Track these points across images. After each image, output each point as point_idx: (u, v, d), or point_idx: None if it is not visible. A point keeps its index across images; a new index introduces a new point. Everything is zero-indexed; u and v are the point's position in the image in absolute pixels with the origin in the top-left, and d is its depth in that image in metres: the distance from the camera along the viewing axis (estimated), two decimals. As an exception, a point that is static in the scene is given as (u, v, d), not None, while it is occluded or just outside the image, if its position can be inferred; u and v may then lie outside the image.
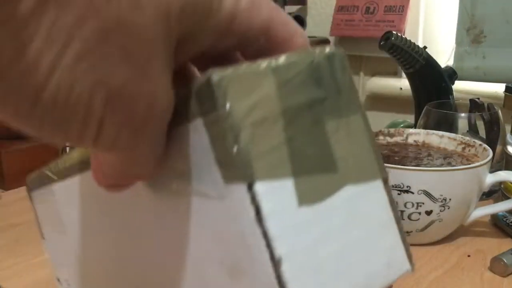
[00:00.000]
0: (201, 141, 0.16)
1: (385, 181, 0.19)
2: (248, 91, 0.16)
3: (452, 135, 0.58)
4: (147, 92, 0.15)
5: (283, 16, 0.20)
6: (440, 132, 0.59)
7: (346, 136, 0.18)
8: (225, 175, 0.16)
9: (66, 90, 0.14)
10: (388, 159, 0.54)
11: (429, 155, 0.56)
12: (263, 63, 0.16)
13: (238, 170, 0.16)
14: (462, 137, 0.57)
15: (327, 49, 0.19)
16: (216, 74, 0.15)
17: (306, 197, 0.17)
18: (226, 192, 0.16)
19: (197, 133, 0.16)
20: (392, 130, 0.61)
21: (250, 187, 0.15)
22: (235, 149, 0.15)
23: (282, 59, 0.17)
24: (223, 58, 0.20)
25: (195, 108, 0.16)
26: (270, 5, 0.19)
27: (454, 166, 0.52)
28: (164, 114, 0.16)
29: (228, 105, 0.15)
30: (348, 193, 0.18)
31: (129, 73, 0.15)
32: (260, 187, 0.16)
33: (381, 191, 0.19)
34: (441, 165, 0.53)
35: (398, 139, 0.61)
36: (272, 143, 0.16)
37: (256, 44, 0.19)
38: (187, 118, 0.17)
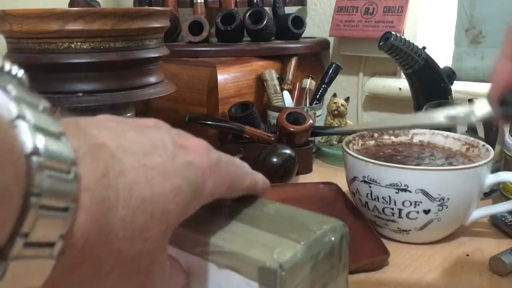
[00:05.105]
0: None
1: None
2: (294, 275, 0.23)
3: (457, 135, 0.58)
4: None
5: (241, 174, 0.27)
6: (445, 132, 0.59)
7: None
8: None
9: None
10: (390, 158, 0.55)
11: (432, 154, 0.56)
12: (307, 251, 0.24)
13: None
14: (466, 138, 0.57)
15: (339, 228, 0.26)
16: (277, 262, 0.23)
17: None
18: None
19: None
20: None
21: None
22: None
23: (316, 245, 0.24)
24: None
25: (253, 274, 0.23)
26: (233, 171, 0.26)
27: (453, 166, 0.52)
28: None
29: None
30: None
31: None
32: None
33: None
34: (442, 164, 0.53)
35: (403, 138, 0.61)
36: None
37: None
38: (241, 272, 0.24)
